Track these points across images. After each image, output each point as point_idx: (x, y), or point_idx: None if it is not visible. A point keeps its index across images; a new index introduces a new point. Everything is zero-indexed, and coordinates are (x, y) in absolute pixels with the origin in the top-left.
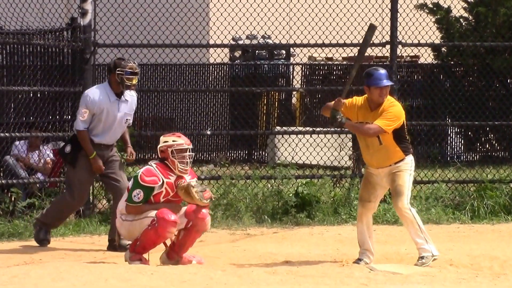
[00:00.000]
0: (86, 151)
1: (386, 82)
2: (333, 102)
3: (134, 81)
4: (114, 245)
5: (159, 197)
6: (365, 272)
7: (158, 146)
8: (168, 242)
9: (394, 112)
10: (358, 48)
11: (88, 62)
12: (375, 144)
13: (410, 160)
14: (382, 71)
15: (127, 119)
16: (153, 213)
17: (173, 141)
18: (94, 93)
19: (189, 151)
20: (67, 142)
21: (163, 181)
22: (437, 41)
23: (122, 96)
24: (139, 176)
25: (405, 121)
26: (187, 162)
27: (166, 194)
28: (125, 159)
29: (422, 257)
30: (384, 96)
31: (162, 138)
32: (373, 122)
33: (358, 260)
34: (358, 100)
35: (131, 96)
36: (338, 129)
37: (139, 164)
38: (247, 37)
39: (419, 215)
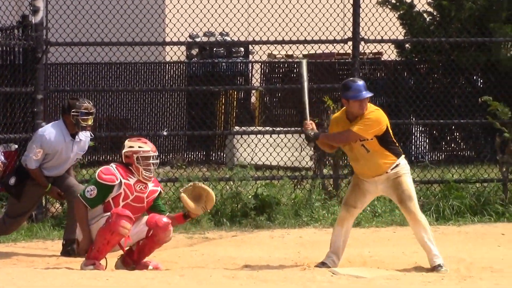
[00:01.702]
0: (42, 185)
1: (366, 94)
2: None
3: (90, 122)
4: (68, 250)
5: (118, 200)
6: (327, 276)
7: (123, 151)
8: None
9: (372, 117)
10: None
11: (40, 61)
12: (363, 153)
13: (404, 163)
14: (360, 82)
15: (77, 158)
16: (109, 213)
17: (139, 147)
18: (50, 133)
19: (155, 158)
20: (11, 174)
21: (121, 181)
22: (401, 37)
23: (77, 136)
24: (96, 174)
25: (389, 126)
26: (152, 169)
27: (126, 197)
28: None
29: (439, 265)
30: (365, 108)
31: (127, 143)
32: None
33: (321, 264)
34: (336, 115)
35: (85, 136)
36: (299, 129)
37: (93, 166)
38: (205, 35)
39: (384, 217)
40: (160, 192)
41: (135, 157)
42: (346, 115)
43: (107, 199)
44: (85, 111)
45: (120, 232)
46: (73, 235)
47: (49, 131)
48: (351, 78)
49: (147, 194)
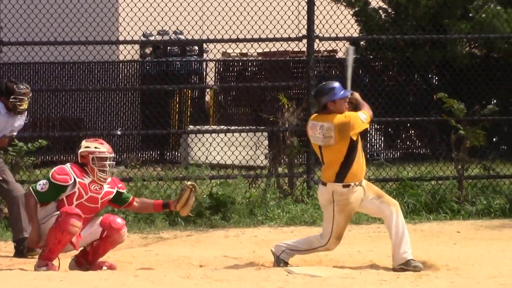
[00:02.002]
0: None
1: (348, 92)
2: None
3: (25, 105)
4: (20, 250)
5: (72, 199)
6: (282, 275)
7: (79, 151)
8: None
9: None
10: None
11: None
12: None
13: None
14: (336, 83)
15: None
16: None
17: (95, 147)
18: None
19: (110, 160)
20: None
21: (75, 180)
22: (356, 35)
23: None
24: (50, 174)
25: None
26: (107, 170)
27: (80, 196)
28: None
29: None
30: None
31: (83, 143)
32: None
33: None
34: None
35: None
36: (254, 127)
37: (47, 166)
38: (158, 33)
39: None
40: (118, 191)
41: (91, 157)
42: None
43: (60, 197)
44: (22, 96)
45: (70, 230)
46: (21, 234)
47: None
48: (326, 82)
49: (101, 195)
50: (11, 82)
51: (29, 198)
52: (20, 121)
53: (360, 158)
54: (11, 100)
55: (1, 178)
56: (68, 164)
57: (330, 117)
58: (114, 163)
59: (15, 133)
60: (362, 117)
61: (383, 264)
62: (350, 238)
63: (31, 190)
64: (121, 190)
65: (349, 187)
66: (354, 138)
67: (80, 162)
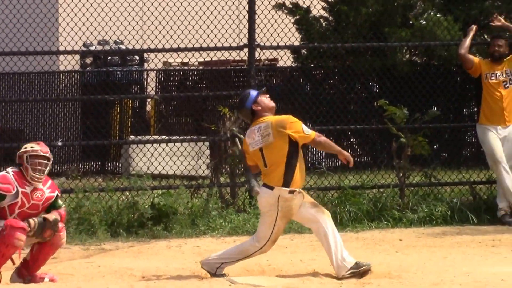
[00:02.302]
0: None
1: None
2: None
3: None
4: None
5: (14, 208)
6: (225, 285)
7: (18, 152)
8: (17, 261)
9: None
10: None
11: None
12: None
13: None
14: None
15: None
16: (1, 223)
17: (31, 147)
18: None
19: (45, 160)
20: None
21: (17, 190)
22: (297, 43)
23: None
24: None
25: None
26: (40, 169)
27: (22, 205)
28: None
29: None
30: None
31: (23, 146)
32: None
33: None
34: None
35: None
36: (195, 137)
37: None
38: (99, 43)
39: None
40: (58, 195)
41: (25, 156)
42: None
43: (2, 206)
44: None
45: (15, 244)
46: None
47: None
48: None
49: (43, 201)
50: None
51: None
52: None
53: (302, 164)
54: None
55: None
56: (10, 171)
57: (267, 118)
58: (49, 163)
59: None
60: (305, 128)
61: (326, 272)
62: (293, 247)
63: None
64: (59, 194)
65: (293, 193)
66: (293, 139)
67: (17, 163)
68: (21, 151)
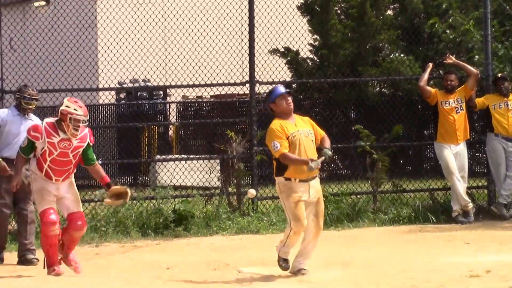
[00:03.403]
0: None
1: (286, 90)
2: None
3: (32, 106)
4: (23, 260)
5: (45, 156)
6: (234, 274)
7: (60, 107)
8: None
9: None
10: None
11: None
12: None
13: None
14: (277, 86)
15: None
16: (43, 205)
17: (74, 109)
18: None
19: (84, 122)
20: None
21: (44, 140)
22: (288, 79)
23: (26, 115)
24: (28, 128)
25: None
26: (79, 129)
27: (50, 153)
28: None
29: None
30: (291, 104)
31: (65, 101)
32: (319, 132)
33: (301, 270)
34: (276, 128)
35: (36, 118)
36: (208, 156)
37: None
38: (130, 81)
39: (278, 225)
40: (89, 144)
41: (69, 117)
42: (284, 119)
43: (37, 156)
44: (28, 96)
45: (52, 234)
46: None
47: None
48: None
49: (71, 150)
50: (24, 85)
51: (17, 154)
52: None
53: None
54: (16, 95)
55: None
56: (44, 123)
57: (272, 123)
58: (88, 123)
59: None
60: (274, 145)
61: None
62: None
63: (18, 151)
64: (91, 144)
65: (290, 180)
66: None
67: (58, 118)
68: (64, 108)
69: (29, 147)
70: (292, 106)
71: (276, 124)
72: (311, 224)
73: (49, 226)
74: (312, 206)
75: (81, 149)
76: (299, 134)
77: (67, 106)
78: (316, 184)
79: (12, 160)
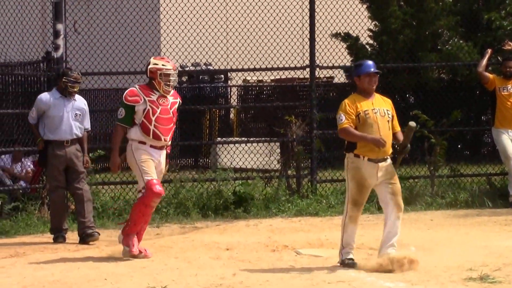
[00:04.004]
0: (35, 136)
1: (374, 70)
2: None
3: (76, 89)
4: (83, 237)
5: (149, 116)
6: (292, 255)
7: (148, 66)
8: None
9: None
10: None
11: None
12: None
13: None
14: (370, 61)
15: (80, 127)
16: (150, 175)
17: (162, 65)
18: (41, 95)
19: (174, 76)
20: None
21: (144, 100)
22: (348, 64)
23: (68, 97)
24: (123, 96)
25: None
26: (171, 84)
27: (154, 111)
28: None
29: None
30: (374, 84)
31: (152, 60)
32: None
33: (350, 260)
34: (348, 102)
35: (79, 98)
36: (268, 138)
37: (105, 171)
38: (192, 65)
39: (336, 208)
40: (179, 102)
41: (159, 73)
42: (359, 94)
43: (139, 122)
44: (73, 79)
45: (152, 205)
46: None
47: (42, 94)
48: (362, 60)
49: (170, 105)
50: (67, 68)
51: (116, 128)
52: (79, 103)
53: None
54: (63, 80)
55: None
56: (136, 86)
57: (347, 98)
58: (177, 78)
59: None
60: (338, 118)
61: (371, 246)
62: None
63: (117, 122)
64: (180, 101)
65: (359, 158)
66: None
67: (148, 76)
68: (152, 66)
69: (130, 114)
70: (374, 87)
71: (350, 98)
72: (390, 203)
73: (155, 196)
74: (386, 185)
75: (177, 105)
76: (373, 112)
77: (154, 64)
78: (386, 166)
79: (58, 142)
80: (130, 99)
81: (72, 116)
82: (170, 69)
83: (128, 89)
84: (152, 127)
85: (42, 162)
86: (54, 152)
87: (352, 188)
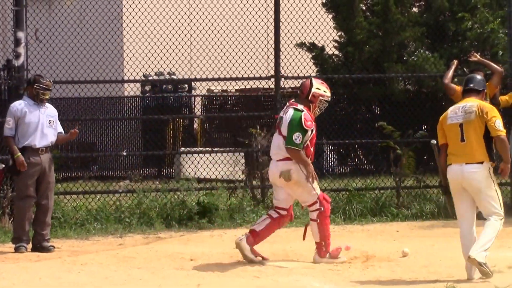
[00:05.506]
0: (11, 152)
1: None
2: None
3: (47, 96)
4: (38, 249)
5: (312, 140)
6: (256, 266)
7: (312, 90)
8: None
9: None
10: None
11: (21, 96)
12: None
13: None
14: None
15: (55, 132)
16: (317, 189)
17: (324, 91)
18: (15, 103)
19: (327, 103)
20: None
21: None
22: (313, 74)
23: (41, 104)
24: (302, 120)
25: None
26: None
27: (313, 136)
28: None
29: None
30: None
31: (315, 83)
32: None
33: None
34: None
35: (50, 105)
36: (232, 149)
37: (66, 181)
38: (155, 74)
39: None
40: None
41: (319, 99)
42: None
43: (305, 144)
44: (45, 86)
45: (329, 214)
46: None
47: (15, 102)
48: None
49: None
50: (38, 75)
51: (297, 152)
52: (51, 110)
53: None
54: (35, 87)
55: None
56: (304, 110)
57: (478, 100)
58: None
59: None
60: (498, 122)
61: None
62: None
63: (292, 146)
64: None
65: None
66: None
67: (309, 99)
68: (316, 91)
69: (304, 140)
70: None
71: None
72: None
73: (329, 204)
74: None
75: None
76: None
77: (317, 88)
78: None
79: (33, 149)
80: (308, 125)
81: (46, 123)
82: (329, 97)
83: (302, 113)
84: (312, 150)
85: (13, 170)
86: (29, 161)
87: (499, 193)
